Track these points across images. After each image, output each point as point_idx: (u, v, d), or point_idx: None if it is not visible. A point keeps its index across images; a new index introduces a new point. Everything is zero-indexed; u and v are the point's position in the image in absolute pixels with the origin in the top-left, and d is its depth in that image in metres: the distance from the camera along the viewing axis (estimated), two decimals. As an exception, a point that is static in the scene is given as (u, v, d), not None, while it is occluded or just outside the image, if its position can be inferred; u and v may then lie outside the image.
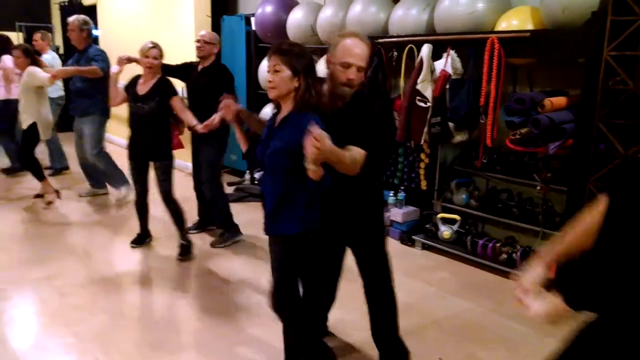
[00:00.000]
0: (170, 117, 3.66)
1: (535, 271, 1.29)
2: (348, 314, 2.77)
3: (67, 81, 5.35)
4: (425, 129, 3.65)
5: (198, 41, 3.81)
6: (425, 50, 3.67)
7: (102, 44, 7.04)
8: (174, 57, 4.16)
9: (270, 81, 1.96)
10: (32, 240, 4.09)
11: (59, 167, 6.09)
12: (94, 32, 5.01)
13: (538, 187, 3.39)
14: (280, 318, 2.19)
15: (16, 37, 8.45)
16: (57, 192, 4.86)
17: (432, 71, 3.69)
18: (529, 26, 3.28)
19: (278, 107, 2.07)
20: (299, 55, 1.96)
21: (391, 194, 4.26)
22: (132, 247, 3.90)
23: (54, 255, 3.75)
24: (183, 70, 4.02)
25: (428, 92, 3.64)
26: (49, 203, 4.76)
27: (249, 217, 4.44)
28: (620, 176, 1.22)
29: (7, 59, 5.44)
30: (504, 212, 3.66)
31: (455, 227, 3.88)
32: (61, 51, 8.86)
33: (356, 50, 2.02)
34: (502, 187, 3.79)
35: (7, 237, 4.07)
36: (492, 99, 3.38)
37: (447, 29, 3.64)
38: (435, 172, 4.04)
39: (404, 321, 2.41)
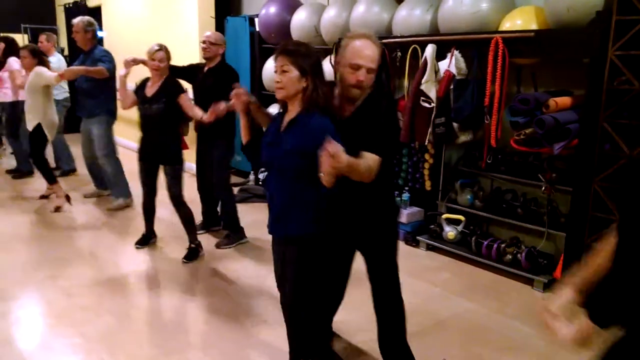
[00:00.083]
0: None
1: (562, 296, 1.28)
2: (352, 315, 2.77)
3: (72, 83, 5.36)
4: (430, 130, 3.65)
5: (204, 42, 3.81)
6: (429, 50, 3.66)
7: (107, 45, 7.06)
8: (178, 58, 4.17)
9: (278, 82, 1.94)
10: (38, 241, 4.11)
11: (67, 169, 6.12)
12: (99, 33, 5.02)
13: (543, 188, 3.38)
14: (291, 319, 2.18)
15: (21, 39, 8.48)
16: (67, 197, 4.85)
17: (436, 71, 3.69)
18: (533, 26, 3.27)
19: (284, 107, 2.05)
20: (307, 55, 1.95)
21: (395, 195, 4.25)
22: (137, 247, 3.91)
23: (59, 256, 3.77)
24: (189, 72, 4.03)
25: (432, 93, 3.64)
26: (58, 208, 4.76)
27: (253, 217, 4.45)
28: (628, 190, 1.21)
29: (14, 62, 5.47)
30: (508, 212, 3.65)
31: (459, 227, 3.87)
32: (66, 53, 8.92)
33: (366, 52, 1.98)
34: (507, 188, 3.78)
35: (13, 238, 4.09)
36: (497, 99, 3.38)
37: (451, 29, 3.64)
38: (439, 173, 4.03)
39: (408, 322, 2.40)
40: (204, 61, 3.95)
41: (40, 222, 4.53)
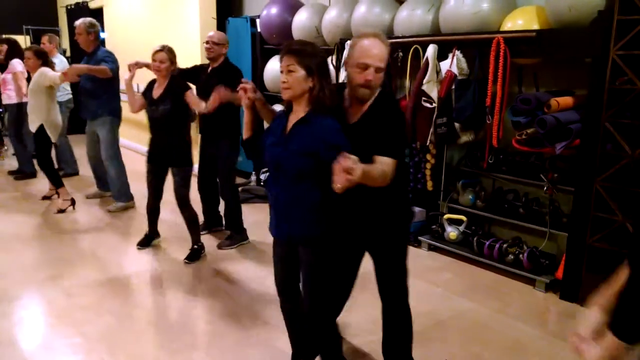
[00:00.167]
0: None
1: (590, 318, 1.27)
2: (355, 317, 2.76)
3: (75, 85, 5.36)
4: (431, 130, 3.65)
5: (207, 42, 3.79)
6: (431, 50, 3.66)
7: (109, 47, 7.07)
8: (179, 59, 4.14)
9: (284, 82, 1.92)
10: (40, 241, 4.11)
11: (70, 172, 6.12)
12: (101, 34, 5.01)
13: (545, 188, 3.38)
14: (308, 321, 2.17)
15: (23, 40, 8.52)
16: (73, 201, 4.84)
17: (438, 72, 3.69)
18: (535, 26, 3.27)
19: (289, 107, 2.03)
20: (313, 55, 1.93)
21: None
22: (139, 248, 3.91)
23: (61, 257, 3.78)
24: (193, 73, 4.03)
25: (434, 93, 3.64)
26: (61, 210, 4.76)
27: (254, 218, 4.45)
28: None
29: (17, 63, 5.48)
30: (510, 212, 3.65)
31: (461, 227, 3.86)
32: (68, 54, 8.93)
33: (374, 51, 1.94)
34: (509, 188, 3.78)
35: (15, 239, 4.10)
36: (498, 99, 3.37)
37: (453, 30, 3.64)
38: (441, 173, 4.03)
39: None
40: (207, 62, 3.95)
41: (42, 222, 4.54)
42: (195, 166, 4.18)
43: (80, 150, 6.27)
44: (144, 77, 3.90)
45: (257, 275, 3.52)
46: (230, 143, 3.89)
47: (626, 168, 2.91)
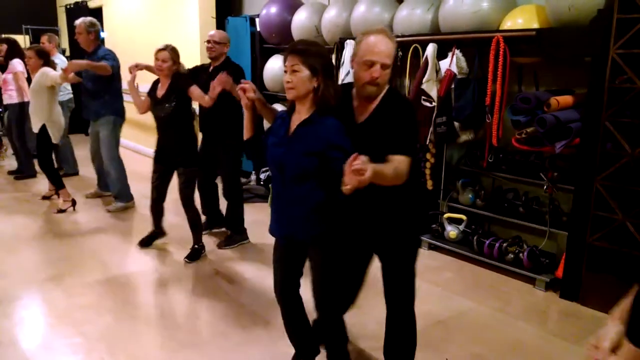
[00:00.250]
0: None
1: (608, 330, 1.24)
2: (360, 319, 2.74)
3: (76, 86, 5.36)
4: (431, 129, 3.65)
5: (208, 42, 3.76)
6: (430, 49, 3.66)
7: (108, 46, 7.06)
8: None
9: (288, 81, 1.90)
10: (40, 241, 4.10)
11: (70, 172, 6.12)
12: (101, 34, 4.99)
13: (545, 187, 3.38)
14: (319, 320, 2.16)
15: (22, 40, 8.52)
16: (73, 202, 4.83)
17: (437, 71, 3.68)
18: (535, 25, 3.27)
19: (292, 107, 2.01)
20: (317, 55, 1.91)
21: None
22: (140, 248, 3.89)
23: (61, 257, 3.78)
24: (193, 75, 4.01)
25: (433, 92, 3.64)
26: (61, 210, 4.75)
27: (253, 217, 4.45)
28: None
29: (17, 63, 5.48)
30: (510, 211, 3.65)
31: (461, 227, 3.86)
32: (67, 54, 8.93)
33: (380, 47, 1.91)
34: (509, 187, 3.78)
35: (15, 239, 4.10)
36: (498, 98, 3.37)
37: (452, 29, 3.64)
38: (441, 172, 4.03)
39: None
40: (206, 62, 3.93)
41: (43, 223, 4.54)
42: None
43: (79, 151, 6.28)
44: (145, 79, 3.89)
45: (258, 274, 3.52)
46: (235, 144, 3.85)
47: (626, 167, 2.91)
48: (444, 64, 3.65)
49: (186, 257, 3.71)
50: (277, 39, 5.33)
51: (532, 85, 3.55)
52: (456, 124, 3.68)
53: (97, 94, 4.67)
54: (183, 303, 3.19)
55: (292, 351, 2.35)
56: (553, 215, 3.43)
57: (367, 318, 2.74)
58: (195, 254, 3.73)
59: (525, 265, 3.44)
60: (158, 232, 3.95)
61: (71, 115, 6.02)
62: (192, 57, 5.63)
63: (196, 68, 4.10)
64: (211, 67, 3.88)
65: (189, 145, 3.58)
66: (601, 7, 2.90)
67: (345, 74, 4.18)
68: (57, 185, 4.79)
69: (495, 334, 2.82)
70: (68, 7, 9.00)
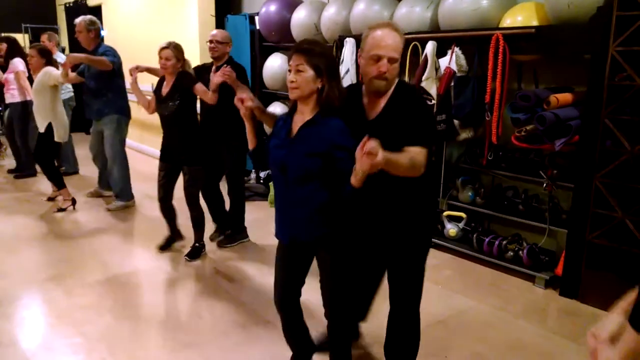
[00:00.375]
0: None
1: (610, 320, 1.20)
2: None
3: (76, 85, 5.35)
4: (430, 127, 3.64)
5: (211, 42, 3.72)
6: (430, 47, 3.65)
7: (108, 44, 7.07)
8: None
9: (292, 81, 1.87)
10: (40, 241, 4.11)
11: (71, 170, 6.12)
12: (101, 32, 4.97)
13: (544, 185, 3.38)
14: (331, 327, 2.14)
15: (22, 39, 8.51)
16: (73, 201, 4.83)
17: (437, 69, 3.68)
18: (534, 22, 3.26)
19: (294, 107, 1.99)
20: (322, 55, 1.89)
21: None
22: (159, 252, 3.81)
23: (61, 257, 3.78)
24: (196, 74, 3.99)
25: (433, 90, 3.63)
26: (60, 209, 4.75)
27: (253, 216, 4.45)
28: None
29: (18, 62, 5.47)
30: (509, 209, 3.65)
31: (461, 224, 3.86)
32: (67, 52, 8.92)
33: (386, 41, 1.87)
34: (508, 185, 3.77)
35: (15, 239, 4.11)
36: (497, 96, 3.36)
37: (452, 26, 3.63)
38: (440, 170, 4.03)
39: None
40: (206, 60, 3.91)
41: (43, 222, 4.54)
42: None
43: (80, 150, 6.28)
44: (146, 79, 3.87)
45: (258, 273, 3.53)
46: (239, 144, 3.82)
47: (626, 164, 2.91)
48: (444, 62, 3.65)
49: (186, 255, 3.71)
50: (277, 37, 5.32)
51: (531, 83, 3.54)
52: (456, 121, 3.68)
53: (100, 92, 4.63)
54: (183, 302, 3.19)
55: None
56: (553, 213, 3.42)
57: (373, 322, 2.71)
58: (196, 253, 3.73)
59: (524, 262, 3.44)
60: (174, 236, 3.88)
61: (72, 114, 6.02)
62: (191, 55, 5.59)
63: (198, 67, 4.08)
64: (214, 67, 3.85)
65: (194, 143, 3.56)
66: (600, 4, 2.89)
67: (344, 72, 4.17)
68: (58, 184, 4.78)
69: (495, 332, 2.82)
70: (67, 5, 8.99)
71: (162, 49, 3.43)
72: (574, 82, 3.32)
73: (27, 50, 4.78)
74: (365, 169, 1.63)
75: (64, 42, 9.30)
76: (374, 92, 1.95)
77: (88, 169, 5.78)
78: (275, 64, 5.33)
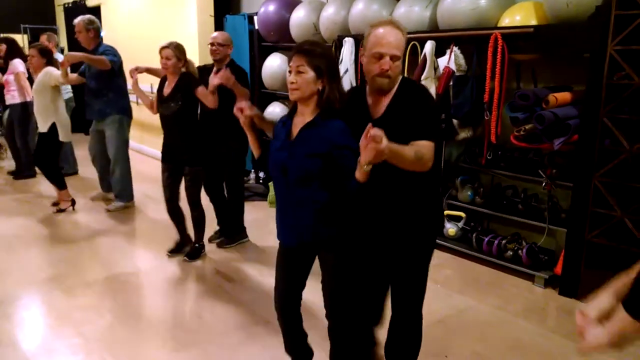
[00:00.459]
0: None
1: (601, 300, 1.19)
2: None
3: (76, 86, 5.34)
4: (429, 126, 3.64)
5: (212, 44, 3.70)
6: (429, 47, 3.66)
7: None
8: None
9: (292, 82, 1.86)
10: (40, 242, 4.11)
11: (70, 171, 6.11)
12: (100, 31, 4.95)
13: (544, 184, 3.38)
14: (333, 333, 2.12)
15: (21, 39, 8.51)
16: (73, 201, 4.82)
17: (436, 68, 3.68)
18: (533, 21, 3.26)
19: (294, 109, 1.98)
20: (323, 56, 1.88)
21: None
22: (169, 256, 3.76)
23: (61, 257, 3.78)
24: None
25: (432, 90, 3.63)
26: (60, 210, 4.74)
27: (253, 216, 4.46)
28: None
29: (18, 63, 5.47)
30: (509, 208, 3.65)
31: (460, 224, 3.87)
32: (66, 52, 8.92)
33: (388, 39, 1.85)
34: (507, 184, 3.77)
35: (15, 240, 4.11)
36: (496, 95, 3.37)
37: (450, 26, 3.63)
38: (439, 169, 4.03)
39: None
40: (205, 59, 3.90)
41: (43, 223, 4.54)
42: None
43: (79, 150, 6.28)
44: (146, 80, 3.87)
45: (258, 273, 3.53)
46: (239, 145, 3.83)
47: (624, 163, 2.91)
48: (442, 62, 3.65)
49: (186, 256, 3.71)
50: (276, 37, 5.33)
51: (530, 82, 3.54)
52: (455, 121, 3.68)
53: (100, 92, 4.61)
54: (183, 302, 3.20)
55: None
56: (552, 212, 3.43)
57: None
58: (195, 253, 3.73)
59: (524, 262, 3.44)
60: (184, 240, 3.81)
61: (71, 115, 6.01)
62: (190, 55, 5.54)
63: (199, 68, 4.07)
64: (214, 69, 3.84)
65: (195, 144, 3.56)
66: (599, 3, 2.90)
67: (344, 72, 4.17)
68: (59, 185, 4.75)
69: (494, 331, 2.83)
70: (66, 5, 8.99)
71: (163, 48, 3.43)
72: (573, 81, 3.32)
73: (27, 51, 4.76)
74: (370, 157, 1.61)
75: (63, 42, 9.30)
76: (378, 91, 1.94)
77: (88, 170, 5.77)
78: (274, 64, 5.33)
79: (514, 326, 2.88)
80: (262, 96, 5.66)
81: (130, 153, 4.98)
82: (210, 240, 4.03)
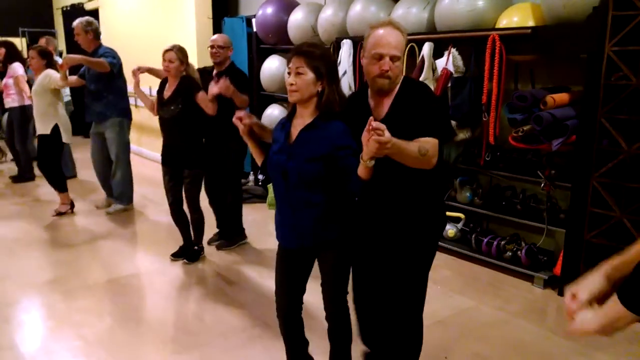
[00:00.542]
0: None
1: (591, 282, 1.15)
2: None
3: (75, 89, 5.33)
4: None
5: (212, 47, 3.71)
6: (427, 48, 3.67)
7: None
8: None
9: (292, 84, 1.85)
10: (39, 245, 4.11)
11: (69, 174, 6.09)
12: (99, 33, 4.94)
13: (542, 184, 3.38)
14: (335, 332, 2.12)
15: (19, 43, 8.52)
16: (72, 205, 4.80)
17: (434, 70, 3.69)
18: (530, 23, 3.27)
19: (293, 111, 1.97)
20: (322, 57, 1.87)
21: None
22: (172, 259, 3.75)
23: (60, 260, 3.78)
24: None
25: (430, 91, 3.64)
26: (59, 213, 4.73)
27: (252, 218, 4.46)
28: None
29: (18, 67, 5.47)
30: (508, 209, 3.66)
31: (459, 225, 3.87)
32: (64, 56, 8.92)
33: (387, 39, 1.84)
34: (506, 185, 3.78)
35: (14, 243, 4.11)
36: (494, 96, 3.38)
37: (448, 27, 3.64)
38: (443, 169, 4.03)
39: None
40: (204, 62, 3.90)
41: (42, 226, 4.54)
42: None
43: (77, 154, 6.28)
44: (147, 81, 3.87)
45: (257, 275, 3.53)
46: (237, 146, 3.83)
47: (623, 163, 2.92)
48: (440, 63, 3.66)
49: (185, 258, 3.71)
50: (274, 39, 5.34)
51: (528, 83, 3.55)
52: (453, 122, 3.68)
53: (100, 94, 4.60)
54: (183, 305, 3.19)
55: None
56: (551, 213, 3.43)
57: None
58: (195, 255, 3.73)
59: (523, 262, 3.45)
60: (188, 245, 3.76)
61: (69, 118, 6.01)
62: (189, 57, 5.62)
63: (199, 71, 4.07)
64: (215, 72, 3.84)
65: (194, 146, 3.56)
66: (596, 4, 2.90)
67: (342, 74, 4.17)
68: (60, 188, 4.74)
69: (494, 332, 2.83)
70: (65, 9, 9.00)
71: (166, 51, 3.43)
72: (571, 82, 3.33)
73: (26, 54, 4.76)
74: (372, 151, 1.59)
75: (62, 46, 9.30)
76: (379, 92, 1.93)
77: (87, 173, 5.77)
78: (272, 66, 5.34)
79: (514, 327, 2.88)
80: (260, 98, 5.66)
81: (131, 156, 4.97)
82: (210, 242, 4.03)
